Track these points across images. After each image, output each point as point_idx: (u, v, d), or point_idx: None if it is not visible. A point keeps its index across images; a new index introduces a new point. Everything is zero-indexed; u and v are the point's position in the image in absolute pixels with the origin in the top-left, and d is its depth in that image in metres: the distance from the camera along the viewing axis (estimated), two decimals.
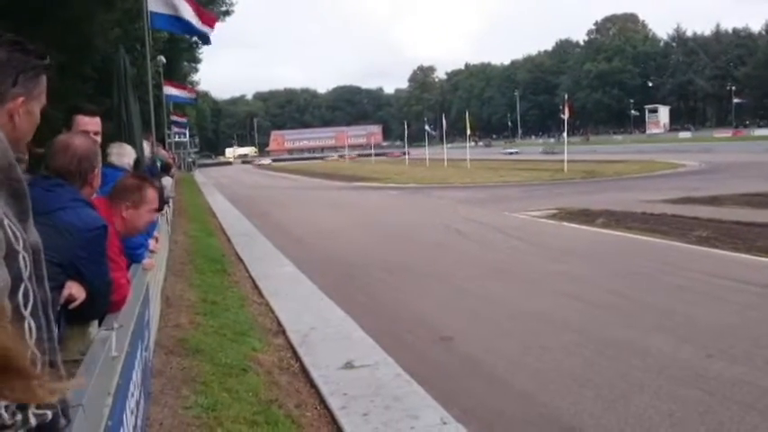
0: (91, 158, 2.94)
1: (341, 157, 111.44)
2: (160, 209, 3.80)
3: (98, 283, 2.64)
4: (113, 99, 8.40)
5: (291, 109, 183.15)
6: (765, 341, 6.72)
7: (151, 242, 5.10)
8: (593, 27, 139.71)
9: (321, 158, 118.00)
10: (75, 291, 2.53)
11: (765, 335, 6.94)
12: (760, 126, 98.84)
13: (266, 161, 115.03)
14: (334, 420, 5.12)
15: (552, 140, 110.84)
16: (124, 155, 5.40)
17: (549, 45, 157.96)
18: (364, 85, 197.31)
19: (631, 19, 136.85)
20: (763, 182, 24.36)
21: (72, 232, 2.53)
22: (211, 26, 12.79)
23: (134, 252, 4.02)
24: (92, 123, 4.09)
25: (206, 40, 13.46)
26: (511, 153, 78.86)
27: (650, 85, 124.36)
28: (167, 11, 12.13)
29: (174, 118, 43.07)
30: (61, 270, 2.47)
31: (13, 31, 1.49)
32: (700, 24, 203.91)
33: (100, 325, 2.74)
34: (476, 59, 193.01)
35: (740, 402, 5.24)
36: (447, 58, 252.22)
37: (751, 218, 14.92)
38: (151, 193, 3.51)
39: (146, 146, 8.69)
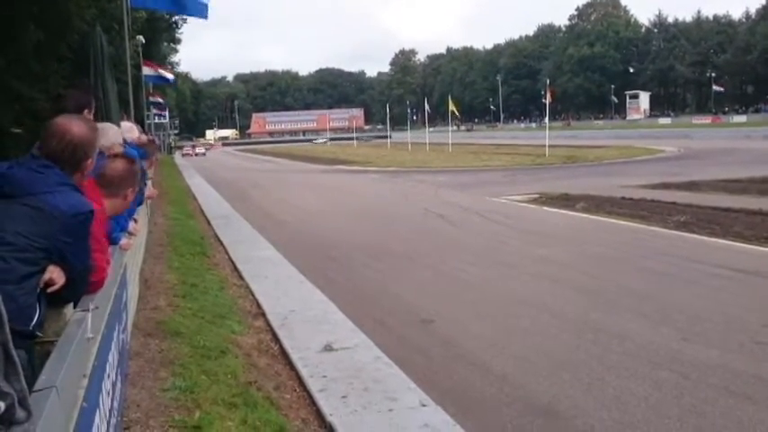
0: (86, 148, 2.74)
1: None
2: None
3: (79, 267, 2.58)
4: (90, 79, 8.28)
5: (273, 91, 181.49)
6: (739, 325, 6.83)
7: (131, 224, 5.05)
8: (575, 12, 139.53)
9: (309, 141, 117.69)
10: (56, 275, 2.48)
11: (740, 319, 7.04)
12: (738, 113, 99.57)
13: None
14: (313, 402, 5.13)
15: (534, 125, 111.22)
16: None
17: (531, 30, 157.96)
18: (347, 68, 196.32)
19: (613, 4, 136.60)
20: (741, 168, 24.66)
21: (57, 217, 2.45)
22: None
23: (111, 235, 3.98)
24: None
25: (198, 11, 13.24)
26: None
27: (631, 70, 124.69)
28: None
29: (154, 99, 42.55)
30: (45, 255, 2.42)
31: None
32: (681, 11, 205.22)
33: (75, 306, 2.70)
34: (459, 44, 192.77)
35: (714, 385, 5.32)
36: (431, 41, 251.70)
37: (728, 203, 15.10)
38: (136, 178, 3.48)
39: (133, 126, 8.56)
